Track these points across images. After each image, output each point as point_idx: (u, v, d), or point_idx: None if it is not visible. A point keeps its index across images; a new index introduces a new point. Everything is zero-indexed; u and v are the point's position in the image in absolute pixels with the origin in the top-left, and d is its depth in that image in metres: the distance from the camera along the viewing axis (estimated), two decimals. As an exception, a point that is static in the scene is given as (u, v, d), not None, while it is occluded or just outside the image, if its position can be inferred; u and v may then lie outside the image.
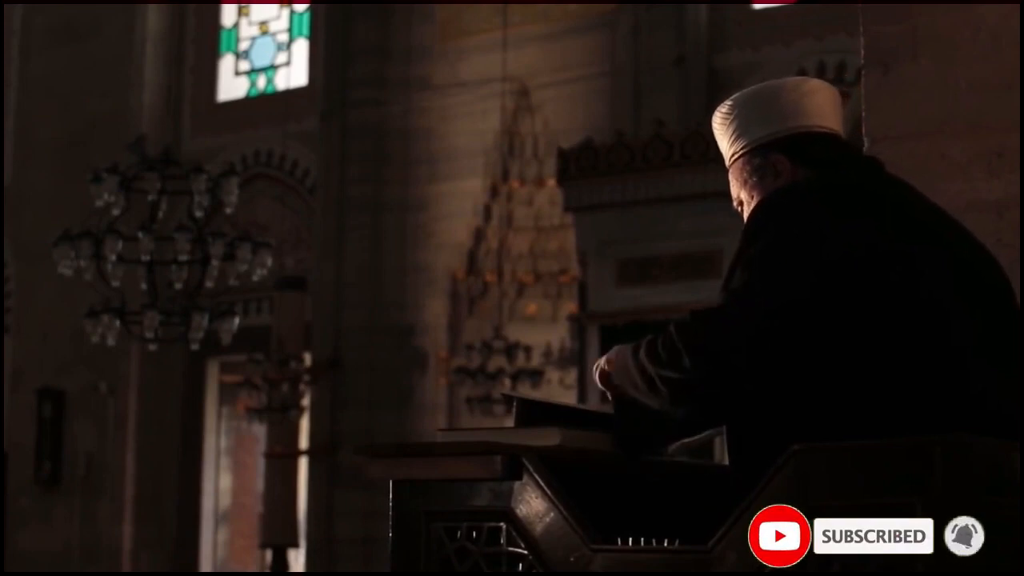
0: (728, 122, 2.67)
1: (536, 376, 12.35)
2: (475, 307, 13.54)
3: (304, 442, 14.20)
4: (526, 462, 2.33)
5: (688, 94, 12.45)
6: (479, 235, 13.66)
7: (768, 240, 2.43)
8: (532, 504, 2.32)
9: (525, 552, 2.32)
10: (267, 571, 13.82)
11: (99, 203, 8.55)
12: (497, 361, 12.38)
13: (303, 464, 14.14)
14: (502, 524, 2.34)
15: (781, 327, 2.34)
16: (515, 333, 12.70)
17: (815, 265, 2.38)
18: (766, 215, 2.52)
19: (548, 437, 2.44)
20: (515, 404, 2.64)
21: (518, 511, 2.33)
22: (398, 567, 2.44)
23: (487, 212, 13.65)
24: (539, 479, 2.32)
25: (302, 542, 13.94)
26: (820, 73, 11.30)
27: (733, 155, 2.67)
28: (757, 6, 12.93)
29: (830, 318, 2.35)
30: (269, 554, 13.68)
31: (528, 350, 12.52)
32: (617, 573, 2.24)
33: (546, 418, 2.57)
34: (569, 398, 11.81)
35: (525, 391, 12.07)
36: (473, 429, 2.65)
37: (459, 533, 2.39)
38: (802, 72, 10.86)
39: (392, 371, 13.81)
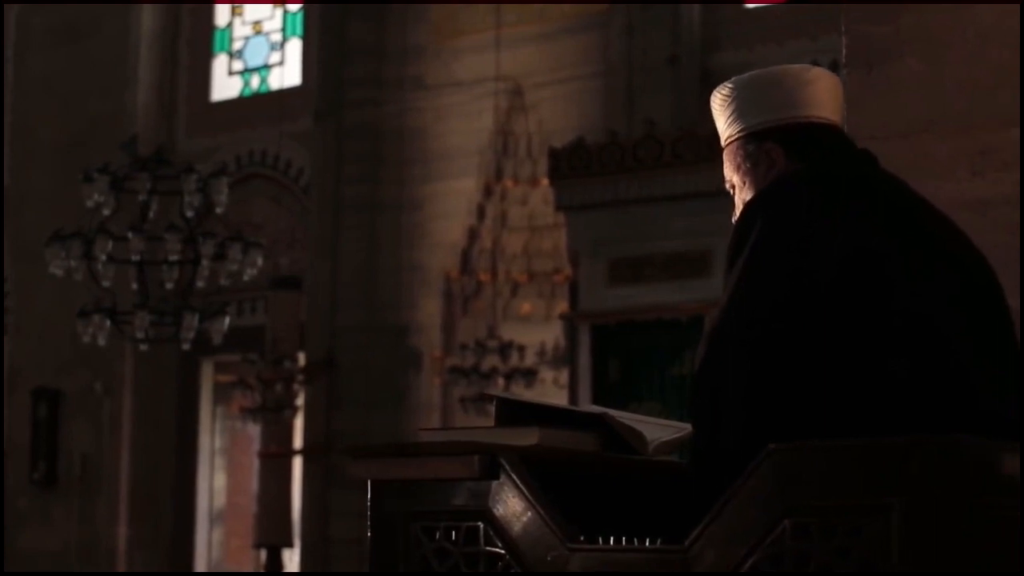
0: (727, 103, 2.67)
1: (530, 375, 12.36)
2: (469, 306, 13.55)
3: (299, 442, 14.20)
4: (503, 461, 2.33)
5: (681, 94, 12.45)
6: (473, 235, 13.66)
7: (752, 245, 2.44)
8: (509, 504, 2.31)
9: (503, 552, 2.32)
10: (262, 571, 13.81)
11: (89, 203, 8.55)
12: (491, 360, 12.39)
13: (298, 464, 14.14)
14: (480, 524, 2.33)
15: (767, 343, 2.35)
16: (509, 332, 12.70)
17: (801, 269, 2.37)
18: (755, 211, 2.52)
19: (526, 436, 2.43)
20: (496, 403, 2.64)
21: (496, 511, 2.32)
22: (376, 567, 2.44)
23: (481, 212, 13.65)
24: (516, 479, 2.31)
25: (297, 542, 13.93)
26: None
27: (728, 137, 2.67)
28: (750, 6, 12.94)
29: (818, 322, 2.34)
30: (264, 554, 13.68)
31: (522, 349, 12.53)
32: (594, 572, 2.24)
33: (528, 418, 2.57)
34: (562, 398, 11.81)
35: (519, 391, 12.07)
36: (454, 428, 2.65)
37: (437, 533, 2.38)
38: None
39: (387, 371, 13.81)
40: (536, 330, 12.98)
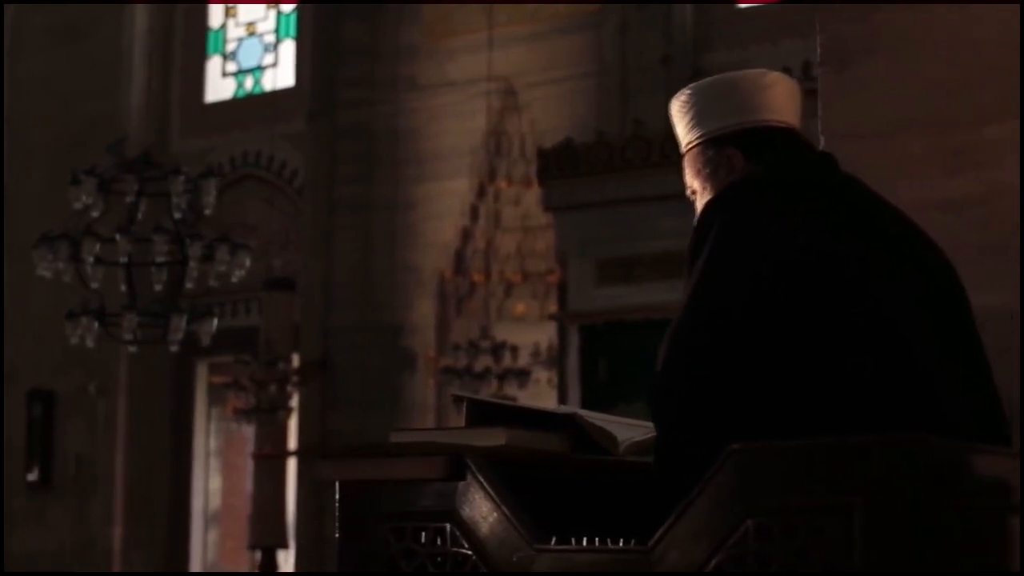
0: (686, 110, 2.68)
1: (523, 376, 12.34)
2: (463, 307, 13.54)
3: (293, 443, 14.19)
4: (470, 462, 2.33)
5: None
6: (467, 235, 13.66)
7: (711, 247, 2.44)
8: (476, 505, 2.32)
9: (470, 553, 2.32)
10: (257, 571, 13.80)
11: (77, 205, 8.56)
12: (484, 361, 12.37)
13: (292, 465, 14.13)
14: (447, 525, 2.34)
15: (725, 345, 2.35)
16: (503, 333, 12.69)
17: (760, 270, 2.37)
18: (713, 214, 2.52)
19: (494, 437, 2.43)
20: (465, 404, 2.64)
21: (462, 512, 2.33)
22: (344, 568, 2.45)
23: (474, 212, 13.65)
24: (482, 480, 2.32)
25: (291, 543, 13.93)
26: (805, 71, 11.30)
27: (688, 144, 2.68)
28: (742, 6, 12.94)
29: (777, 323, 2.34)
30: (259, 555, 13.67)
31: (515, 350, 12.51)
32: (559, 572, 2.24)
33: (497, 418, 2.57)
34: (555, 398, 11.81)
35: (513, 391, 12.08)
36: (423, 429, 2.65)
37: (405, 534, 2.39)
38: (787, 71, 10.84)
39: (381, 371, 13.81)
40: (530, 330, 12.97)
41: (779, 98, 2.64)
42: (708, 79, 2.72)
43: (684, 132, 2.69)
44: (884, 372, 2.32)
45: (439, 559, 2.35)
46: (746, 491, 2.10)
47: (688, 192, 2.72)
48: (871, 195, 2.60)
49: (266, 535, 13.54)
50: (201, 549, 15.46)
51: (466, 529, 2.33)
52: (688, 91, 2.70)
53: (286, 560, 14.12)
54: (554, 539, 2.28)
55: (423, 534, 2.37)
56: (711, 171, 2.64)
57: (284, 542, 13.68)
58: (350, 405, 13.76)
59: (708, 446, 2.18)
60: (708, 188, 2.64)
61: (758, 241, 2.41)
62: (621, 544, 2.25)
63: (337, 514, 2.46)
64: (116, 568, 15.18)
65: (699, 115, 2.66)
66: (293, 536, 13.93)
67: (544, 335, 12.88)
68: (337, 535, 2.46)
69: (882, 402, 2.31)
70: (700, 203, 2.66)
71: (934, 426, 2.28)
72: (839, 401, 2.31)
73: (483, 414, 2.62)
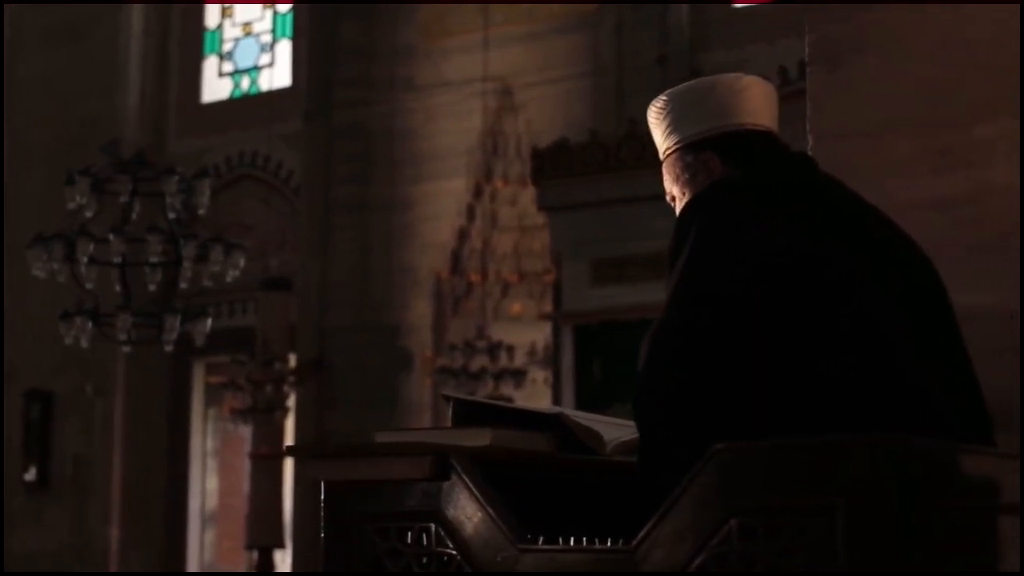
0: (662, 117, 2.68)
1: (519, 376, 12.34)
2: (459, 307, 13.55)
3: (290, 443, 14.18)
4: (455, 463, 2.33)
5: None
6: (463, 235, 13.66)
7: (690, 249, 2.44)
8: (461, 505, 2.32)
9: (455, 553, 2.32)
10: (254, 571, 13.80)
11: (71, 205, 8.56)
12: (480, 361, 12.37)
13: (289, 465, 14.13)
14: (432, 525, 2.34)
15: (705, 346, 2.35)
16: (500, 333, 12.69)
17: (738, 274, 2.37)
18: (691, 216, 2.53)
19: (479, 437, 2.43)
20: (452, 404, 2.64)
21: (447, 512, 2.33)
22: (330, 568, 2.45)
23: (471, 212, 13.65)
24: (467, 480, 2.31)
25: (288, 543, 13.93)
26: (802, 71, 11.32)
27: (666, 150, 2.68)
28: (738, 5, 12.94)
29: (755, 326, 2.34)
30: (255, 555, 13.67)
31: (511, 350, 12.51)
32: (543, 572, 2.24)
33: (484, 418, 2.57)
34: (550, 398, 11.81)
35: (508, 391, 12.07)
36: (411, 429, 2.65)
37: (391, 534, 2.38)
38: (783, 71, 10.88)
39: (378, 371, 13.81)
40: (526, 330, 12.97)
41: (755, 101, 2.64)
42: (683, 84, 2.72)
43: (662, 139, 2.69)
44: (867, 372, 2.32)
45: (424, 559, 2.35)
46: (729, 491, 2.10)
47: (668, 198, 2.72)
48: (850, 196, 2.60)
49: (263, 535, 13.54)
50: (198, 549, 15.47)
51: (451, 529, 2.32)
52: (664, 97, 2.70)
53: (283, 560, 14.12)
54: (541, 539, 2.27)
55: (408, 534, 2.37)
56: (690, 176, 2.64)
57: (281, 542, 13.68)
58: (347, 405, 13.77)
59: (691, 446, 2.18)
60: (687, 193, 2.64)
61: (736, 244, 2.41)
62: (608, 544, 2.25)
63: (322, 514, 2.46)
64: (113, 568, 15.17)
65: (676, 121, 2.65)
66: (290, 536, 13.94)
67: (540, 335, 12.89)
68: (322, 535, 2.46)
69: (865, 402, 2.31)
70: (679, 209, 2.66)
71: (918, 426, 2.28)
72: (822, 401, 2.31)
73: (470, 414, 2.62)
